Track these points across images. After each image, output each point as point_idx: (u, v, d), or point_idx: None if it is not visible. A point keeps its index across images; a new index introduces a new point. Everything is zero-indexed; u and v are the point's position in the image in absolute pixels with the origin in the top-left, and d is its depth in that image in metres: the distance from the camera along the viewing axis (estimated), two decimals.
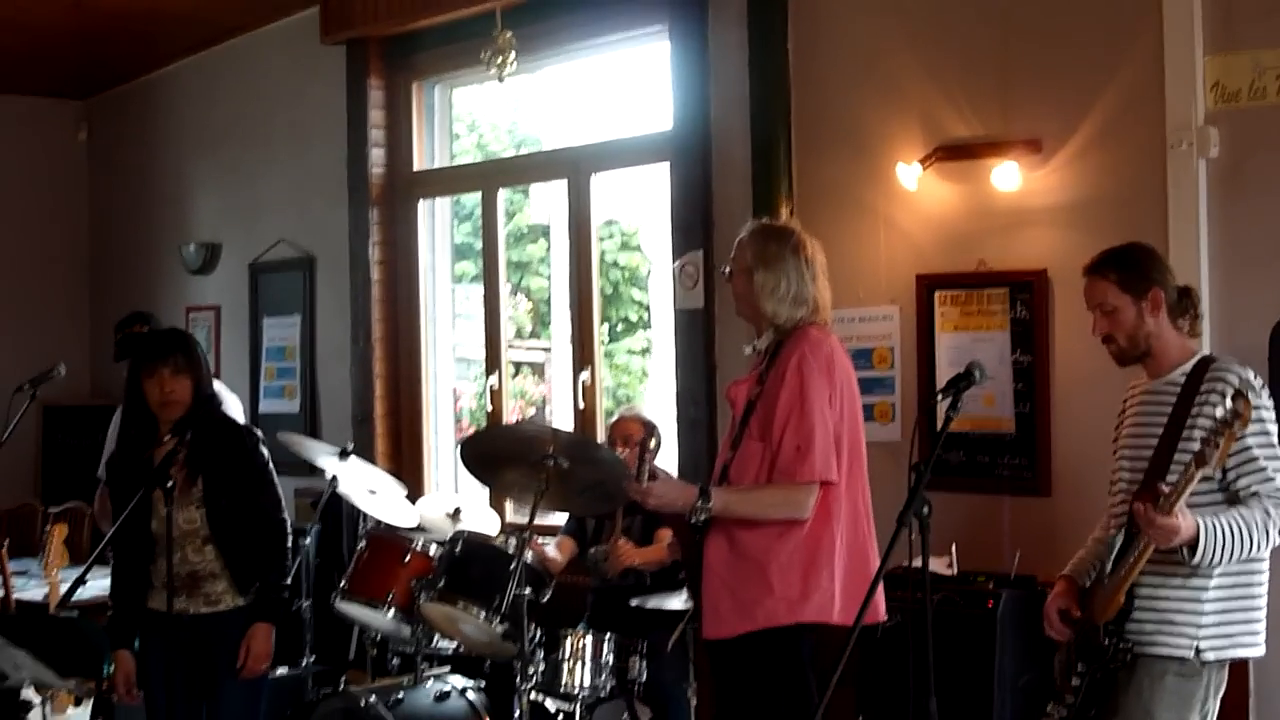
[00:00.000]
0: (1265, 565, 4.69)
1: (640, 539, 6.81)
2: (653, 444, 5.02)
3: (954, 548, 6.22)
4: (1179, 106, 5.92)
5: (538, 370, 15.74)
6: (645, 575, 6.72)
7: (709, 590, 5.01)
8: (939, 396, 4.68)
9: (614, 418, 7.21)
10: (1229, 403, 4.32)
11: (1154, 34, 6.00)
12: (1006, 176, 6.41)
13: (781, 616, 4.89)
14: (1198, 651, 4.63)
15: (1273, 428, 4.64)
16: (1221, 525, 4.47)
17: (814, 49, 7.14)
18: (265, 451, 5.87)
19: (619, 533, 6.70)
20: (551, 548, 7.08)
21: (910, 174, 6.70)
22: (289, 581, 5.87)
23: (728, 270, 5.24)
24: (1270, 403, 4.68)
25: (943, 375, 6.57)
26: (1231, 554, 4.50)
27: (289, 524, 5.86)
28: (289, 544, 5.85)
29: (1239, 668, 4.99)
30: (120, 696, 5.81)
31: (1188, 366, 4.78)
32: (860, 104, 6.99)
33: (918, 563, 4.32)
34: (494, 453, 5.85)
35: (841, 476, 4.93)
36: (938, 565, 6.08)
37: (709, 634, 5.04)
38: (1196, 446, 4.55)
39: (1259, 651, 4.76)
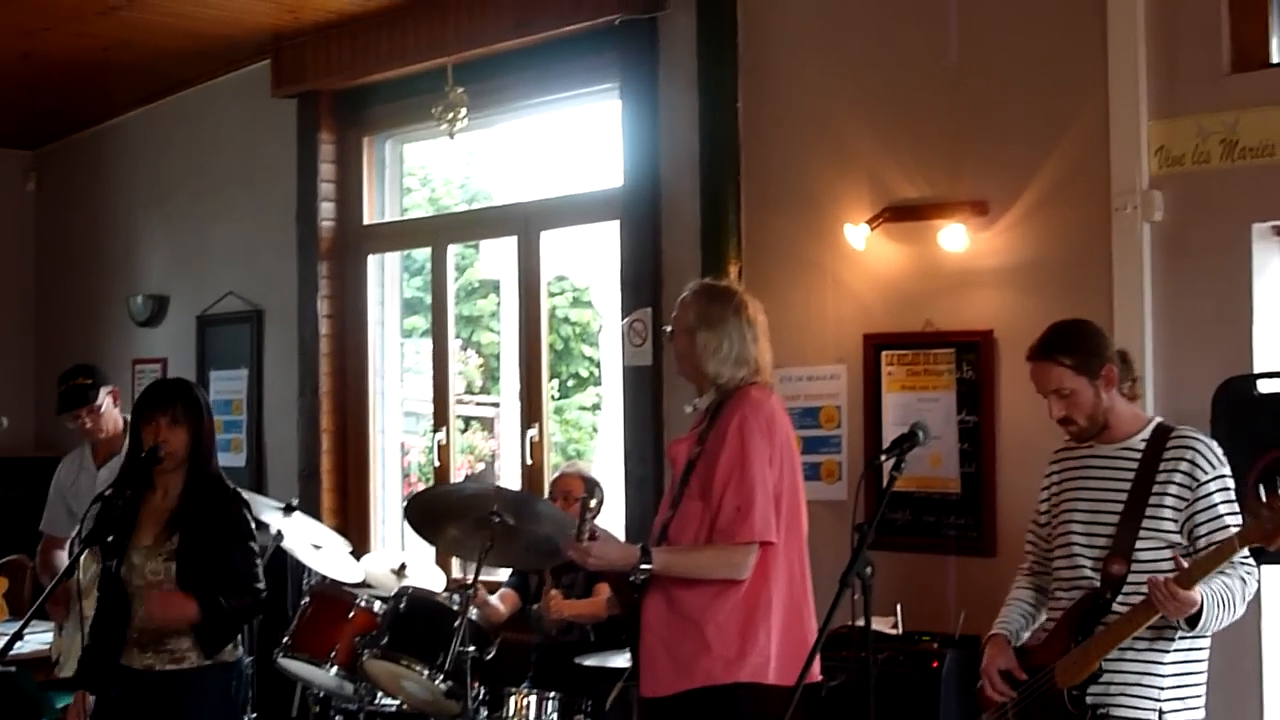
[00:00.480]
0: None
1: (582, 593, 6.79)
2: (593, 503, 4.99)
3: (899, 608, 6.21)
4: (1124, 170, 5.98)
5: (487, 425, 15.73)
6: (589, 632, 6.69)
7: (647, 649, 5.02)
8: (883, 457, 4.72)
9: (556, 474, 7.21)
10: None
11: (1100, 98, 6.06)
12: (953, 238, 6.44)
13: (719, 675, 4.88)
14: (1161, 714, 4.67)
15: (1233, 495, 4.70)
16: (1216, 595, 4.51)
17: (764, 109, 7.18)
18: (250, 519, 5.76)
19: (549, 584, 6.69)
20: (495, 598, 7.04)
21: (858, 234, 6.72)
22: (237, 625, 5.73)
23: (669, 330, 5.26)
24: (1230, 471, 4.73)
25: (889, 435, 6.56)
26: (1220, 622, 4.57)
27: (263, 595, 5.69)
28: (256, 613, 5.75)
29: None
30: None
31: (1146, 433, 4.81)
32: (809, 164, 7.02)
33: (861, 623, 4.33)
34: (438, 511, 5.83)
35: (780, 537, 4.93)
36: (882, 625, 6.08)
37: (646, 692, 5.04)
38: (1168, 514, 4.66)
39: (1201, 715, 4.81)
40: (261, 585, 5.68)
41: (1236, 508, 4.68)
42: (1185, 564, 4.47)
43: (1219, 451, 4.74)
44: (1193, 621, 4.50)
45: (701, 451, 5.03)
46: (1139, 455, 4.78)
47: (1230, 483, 4.70)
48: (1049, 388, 4.85)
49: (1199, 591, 4.44)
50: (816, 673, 5.03)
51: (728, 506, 4.87)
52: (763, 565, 4.90)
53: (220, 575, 5.56)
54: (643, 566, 4.89)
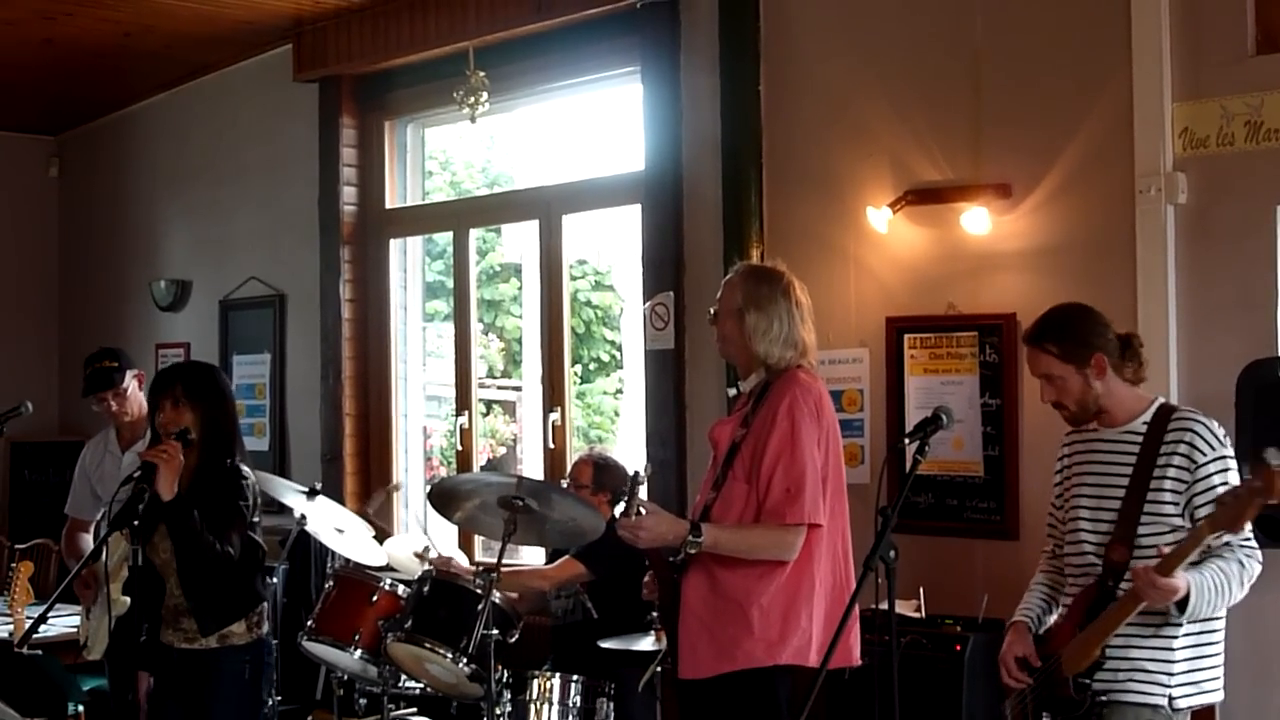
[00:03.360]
0: (1224, 612, 4.73)
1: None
2: (643, 477, 4.99)
3: (922, 591, 6.21)
4: (1148, 152, 5.96)
5: (509, 409, 15.70)
6: (591, 610, 6.71)
7: (686, 630, 5.01)
8: (905, 440, 4.74)
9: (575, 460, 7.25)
10: (1249, 474, 4.35)
11: (1123, 80, 6.04)
12: (976, 221, 6.43)
13: (760, 658, 4.90)
14: (1171, 700, 4.67)
15: (1236, 476, 4.68)
16: (1207, 581, 4.53)
17: (785, 92, 7.17)
18: (248, 493, 5.80)
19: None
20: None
21: (880, 217, 6.71)
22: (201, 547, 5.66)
23: (713, 311, 5.25)
24: (1232, 451, 4.73)
25: (912, 418, 6.57)
26: (1214, 607, 4.58)
27: (234, 555, 5.62)
28: (228, 568, 5.70)
29: (1206, 713, 5.02)
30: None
31: (1147, 415, 4.81)
32: (831, 147, 7.01)
33: (885, 606, 4.34)
34: (462, 494, 5.85)
35: (825, 520, 4.94)
36: (906, 608, 6.08)
37: (686, 674, 5.02)
38: (1168, 497, 4.64)
39: (1220, 697, 4.82)
40: (234, 551, 5.62)
41: None
42: (1166, 552, 4.49)
43: (1220, 432, 4.74)
44: (1182, 607, 4.51)
45: (747, 434, 5.04)
46: (1141, 438, 4.78)
47: (1231, 464, 4.70)
48: (1037, 372, 4.90)
49: (1182, 579, 4.45)
50: (855, 656, 5.05)
51: (777, 488, 4.89)
52: (808, 547, 4.92)
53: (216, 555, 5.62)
54: (692, 540, 4.89)
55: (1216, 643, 4.75)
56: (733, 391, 5.32)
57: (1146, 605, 4.54)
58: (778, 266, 5.36)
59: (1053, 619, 5.04)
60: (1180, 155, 5.91)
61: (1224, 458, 4.70)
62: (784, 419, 4.93)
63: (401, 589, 6.50)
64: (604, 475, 6.96)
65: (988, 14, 6.52)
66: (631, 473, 5.03)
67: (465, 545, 8.07)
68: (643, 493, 5.03)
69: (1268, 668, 5.66)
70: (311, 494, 7.06)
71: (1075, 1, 6.28)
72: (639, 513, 4.91)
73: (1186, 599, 4.48)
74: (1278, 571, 5.45)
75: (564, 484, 7.07)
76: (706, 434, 5.41)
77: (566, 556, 6.81)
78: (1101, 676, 4.69)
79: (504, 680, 6.00)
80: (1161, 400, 4.91)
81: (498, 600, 5.97)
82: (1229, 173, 5.82)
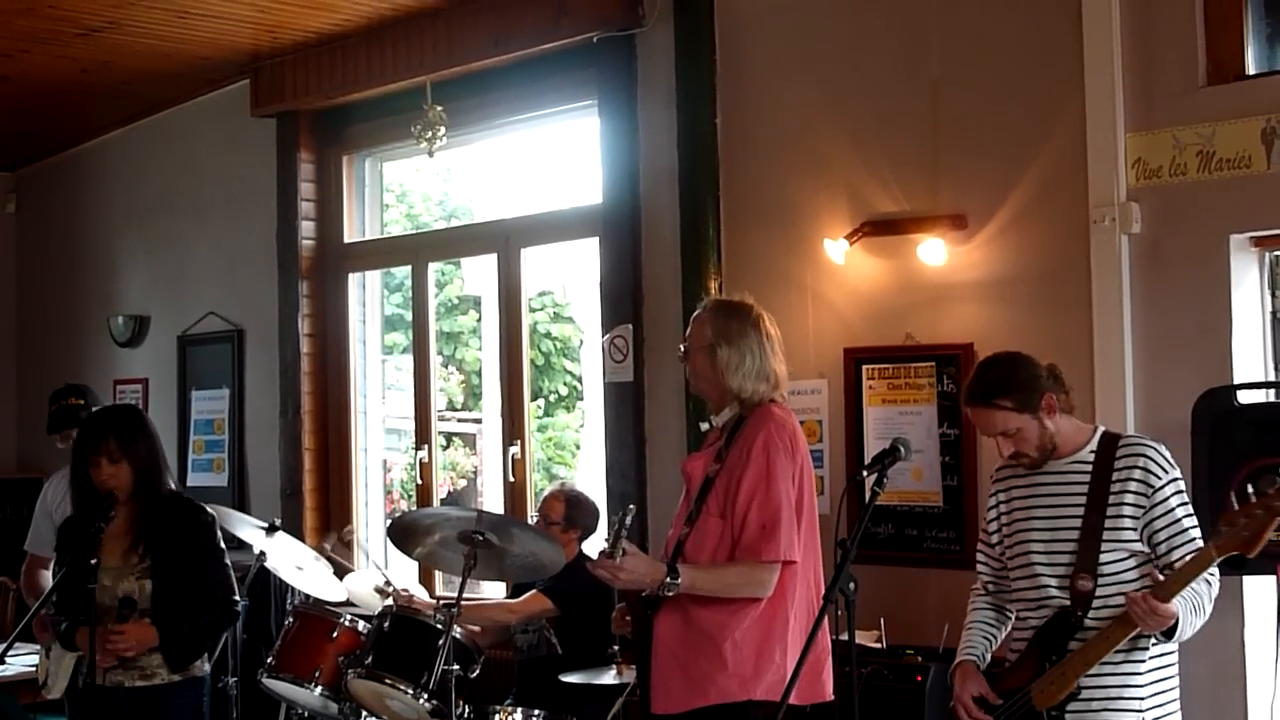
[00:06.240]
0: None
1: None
2: (628, 520, 4.94)
3: (882, 621, 6.22)
4: (1102, 183, 6.00)
5: (469, 442, 15.70)
6: (555, 645, 6.71)
7: (659, 665, 4.97)
8: (864, 473, 4.74)
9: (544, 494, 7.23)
10: (1254, 488, 4.39)
11: (1077, 112, 6.08)
12: (933, 252, 6.46)
13: (734, 692, 4.86)
14: None
15: (1189, 498, 4.76)
16: (1189, 604, 4.55)
17: (742, 125, 7.19)
18: (219, 534, 5.87)
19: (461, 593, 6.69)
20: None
21: (837, 249, 6.74)
22: (206, 647, 5.86)
23: (683, 348, 5.22)
24: (1180, 473, 4.78)
25: (871, 448, 6.58)
26: (1194, 629, 4.61)
27: (239, 607, 5.91)
28: (230, 626, 5.90)
29: None
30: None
31: (1093, 444, 4.85)
32: (788, 179, 7.03)
33: (846, 637, 4.35)
34: (421, 529, 5.85)
35: (799, 556, 4.92)
36: (867, 639, 6.09)
37: (658, 709, 4.98)
38: (1127, 523, 4.67)
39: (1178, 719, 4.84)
40: (235, 597, 5.86)
41: (1191, 509, 4.73)
42: (1160, 577, 4.51)
43: (1169, 455, 4.78)
44: (1169, 632, 4.54)
45: (721, 469, 5.00)
46: (1090, 467, 4.81)
47: (1182, 485, 4.76)
48: (994, 431, 4.88)
49: (1176, 604, 4.47)
50: (828, 691, 5.01)
51: (752, 525, 4.86)
52: (781, 583, 4.89)
53: (194, 590, 5.69)
54: (670, 583, 4.84)
55: (1172, 665, 4.79)
56: (705, 426, 5.28)
57: (1138, 632, 4.56)
58: (746, 299, 5.31)
59: (989, 656, 5.05)
60: (1134, 185, 5.96)
61: (1177, 480, 4.75)
62: (759, 455, 4.90)
63: (362, 625, 6.48)
64: (575, 511, 6.96)
65: (943, 47, 6.56)
66: (621, 512, 4.94)
67: (425, 581, 8.04)
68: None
69: (1228, 693, 5.68)
70: (271, 530, 7.04)
71: (1029, 34, 6.32)
72: (623, 553, 4.85)
73: (1174, 624, 4.51)
74: (1235, 598, 5.52)
75: (532, 519, 7.06)
76: (679, 467, 5.36)
77: (534, 591, 6.80)
78: (1074, 708, 4.69)
79: (465, 715, 5.99)
80: (1104, 428, 4.95)
81: (459, 635, 5.96)
82: (1182, 202, 5.86)
